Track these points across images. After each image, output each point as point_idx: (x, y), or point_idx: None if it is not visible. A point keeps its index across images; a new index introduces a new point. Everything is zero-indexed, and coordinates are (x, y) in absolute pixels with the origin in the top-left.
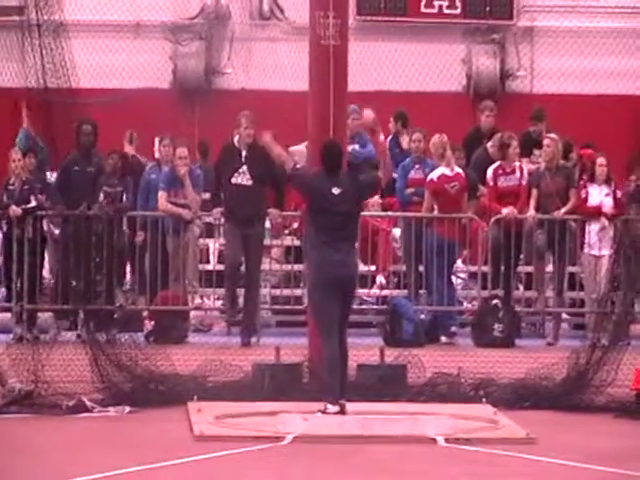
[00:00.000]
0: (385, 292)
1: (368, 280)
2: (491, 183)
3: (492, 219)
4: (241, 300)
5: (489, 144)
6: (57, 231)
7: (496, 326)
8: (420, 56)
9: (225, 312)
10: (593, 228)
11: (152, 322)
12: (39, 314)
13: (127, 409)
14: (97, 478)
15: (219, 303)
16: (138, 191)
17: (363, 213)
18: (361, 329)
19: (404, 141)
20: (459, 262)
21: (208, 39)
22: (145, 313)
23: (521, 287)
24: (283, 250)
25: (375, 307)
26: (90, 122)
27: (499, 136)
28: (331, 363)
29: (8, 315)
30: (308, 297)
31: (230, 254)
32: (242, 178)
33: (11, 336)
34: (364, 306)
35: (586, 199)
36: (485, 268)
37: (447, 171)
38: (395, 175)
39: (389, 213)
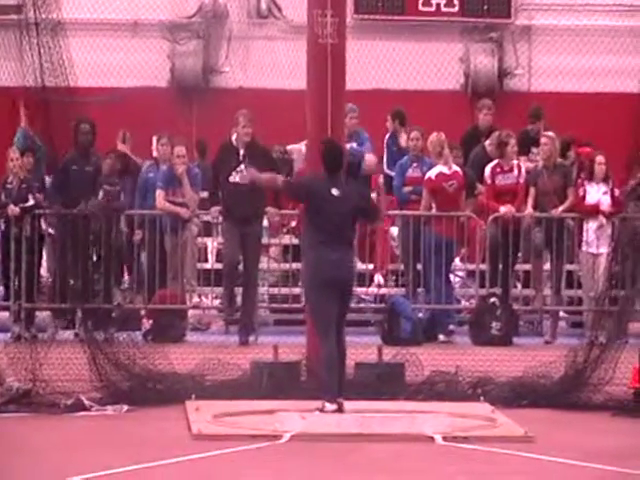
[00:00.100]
0: (383, 290)
1: (366, 279)
2: (489, 181)
3: (490, 217)
4: (239, 299)
5: (487, 142)
6: (50, 230)
7: (494, 324)
8: (418, 54)
9: (223, 311)
10: (591, 226)
11: (150, 321)
12: (37, 313)
13: (125, 408)
14: (95, 477)
15: (217, 302)
16: (135, 190)
17: None
18: (359, 327)
19: (402, 139)
20: (457, 260)
21: (206, 38)
22: (143, 312)
23: (519, 285)
24: (281, 249)
25: (373, 305)
26: (88, 121)
27: (497, 134)
28: (329, 362)
29: (6, 314)
30: (305, 296)
31: (228, 253)
32: (240, 177)
33: (9, 335)
34: (362, 305)
35: (584, 197)
36: (483, 266)
37: (445, 169)
38: (393, 174)
39: (387, 212)
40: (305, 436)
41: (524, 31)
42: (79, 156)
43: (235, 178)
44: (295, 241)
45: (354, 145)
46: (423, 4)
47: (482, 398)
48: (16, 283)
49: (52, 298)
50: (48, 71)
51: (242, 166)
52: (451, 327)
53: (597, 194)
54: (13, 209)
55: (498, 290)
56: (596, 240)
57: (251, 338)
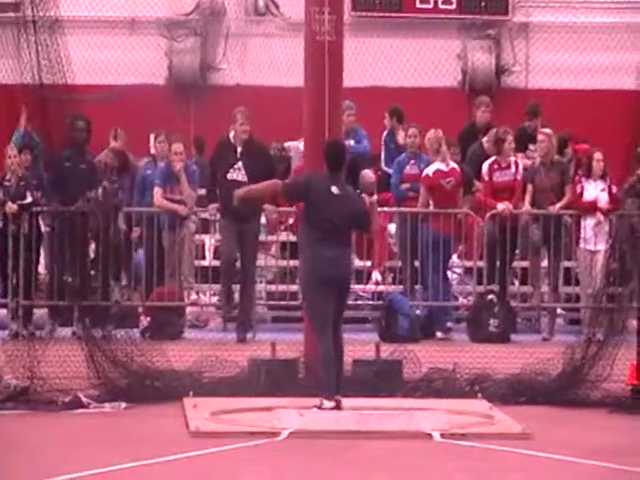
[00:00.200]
0: (381, 288)
1: (364, 276)
2: (486, 178)
3: (487, 214)
4: (237, 296)
5: (484, 139)
6: (45, 228)
7: (492, 321)
8: (415, 52)
9: (221, 308)
10: (589, 223)
11: (148, 318)
12: (35, 310)
13: (123, 405)
14: (93, 474)
15: (215, 299)
16: (133, 187)
17: None
18: (357, 325)
19: (399, 137)
20: (454, 257)
21: (203, 35)
22: (141, 309)
23: (516, 282)
24: (279, 246)
25: (371, 303)
26: (83, 118)
27: (494, 131)
28: (326, 360)
29: (4, 311)
30: (302, 294)
31: (226, 250)
32: (237, 174)
33: (7, 332)
34: (360, 302)
35: (581, 194)
36: (480, 263)
37: (442, 166)
38: (390, 171)
39: (385, 209)
40: (303, 433)
41: (521, 28)
42: (73, 153)
43: (233, 175)
44: (293, 238)
45: (351, 142)
46: (420, 1)
47: (480, 395)
48: (14, 280)
49: (49, 295)
50: (46, 69)
51: (239, 163)
52: (449, 324)
53: (595, 191)
54: (11, 206)
55: (496, 287)
56: (594, 237)
57: (249, 335)
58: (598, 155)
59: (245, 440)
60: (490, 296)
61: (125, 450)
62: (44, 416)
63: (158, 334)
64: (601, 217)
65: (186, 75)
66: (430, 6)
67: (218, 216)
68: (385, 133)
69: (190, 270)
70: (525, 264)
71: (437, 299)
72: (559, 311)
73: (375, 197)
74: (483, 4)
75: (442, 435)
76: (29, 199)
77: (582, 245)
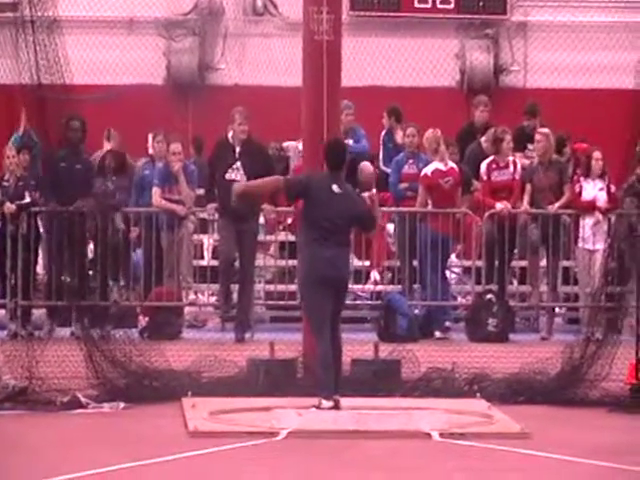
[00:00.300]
0: (379, 287)
1: (362, 275)
2: (485, 178)
3: (486, 214)
4: (235, 296)
5: (483, 139)
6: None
7: (490, 321)
8: (414, 51)
9: (219, 308)
10: (587, 222)
11: (146, 318)
12: (33, 310)
13: (121, 405)
14: (91, 474)
15: (213, 299)
16: (131, 187)
17: None
18: (355, 324)
19: (398, 136)
20: (453, 257)
21: (202, 35)
22: (139, 309)
23: (515, 282)
24: (277, 245)
25: (369, 302)
26: (78, 118)
27: (493, 131)
28: (324, 360)
29: (2, 311)
30: (300, 294)
31: (224, 250)
32: (236, 174)
33: (5, 332)
34: (358, 301)
35: (580, 193)
36: (479, 263)
37: (441, 166)
38: (389, 170)
39: (383, 208)
40: (302, 433)
41: (520, 27)
42: (69, 153)
43: (231, 175)
44: (291, 238)
45: (350, 142)
46: (419, 1)
47: (478, 394)
48: (12, 281)
49: (48, 296)
50: (44, 69)
51: (238, 163)
52: (447, 324)
53: (593, 190)
54: (9, 207)
55: (494, 287)
56: (592, 236)
57: (247, 335)
58: (597, 154)
59: (244, 440)
60: (489, 296)
61: (124, 450)
62: (43, 416)
63: (156, 334)
64: (600, 216)
65: (184, 75)
66: (428, 6)
67: (216, 216)
68: (383, 133)
69: (188, 270)
70: (524, 263)
71: (436, 299)
72: (558, 310)
73: (375, 191)
74: (481, 4)
75: (441, 435)
76: (27, 199)
77: (581, 244)
